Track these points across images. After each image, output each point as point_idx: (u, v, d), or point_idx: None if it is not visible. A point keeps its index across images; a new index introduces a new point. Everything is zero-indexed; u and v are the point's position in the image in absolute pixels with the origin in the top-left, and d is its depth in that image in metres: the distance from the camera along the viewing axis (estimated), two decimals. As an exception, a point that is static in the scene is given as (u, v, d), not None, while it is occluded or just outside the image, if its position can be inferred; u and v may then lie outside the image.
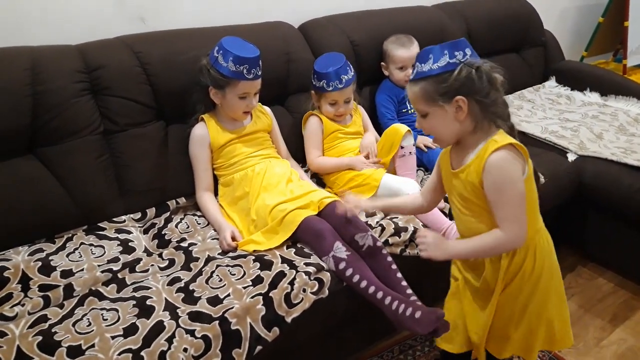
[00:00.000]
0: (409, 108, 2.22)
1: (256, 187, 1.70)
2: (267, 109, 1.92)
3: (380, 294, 1.42)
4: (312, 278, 1.42)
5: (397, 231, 1.63)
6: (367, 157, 1.93)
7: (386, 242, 1.59)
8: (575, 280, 2.20)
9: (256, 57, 1.69)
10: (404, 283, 1.50)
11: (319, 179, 2.01)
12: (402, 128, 1.87)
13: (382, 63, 2.23)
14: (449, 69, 1.15)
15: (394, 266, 1.51)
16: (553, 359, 1.80)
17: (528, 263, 1.23)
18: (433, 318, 1.35)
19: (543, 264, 1.25)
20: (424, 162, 2.09)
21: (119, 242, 1.58)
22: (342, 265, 1.45)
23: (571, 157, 2.17)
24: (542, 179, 1.21)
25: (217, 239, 1.62)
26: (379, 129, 2.20)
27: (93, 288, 1.39)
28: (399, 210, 1.60)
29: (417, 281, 1.53)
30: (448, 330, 1.35)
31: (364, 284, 1.43)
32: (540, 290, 1.26)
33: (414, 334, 1.37)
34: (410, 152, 1.90)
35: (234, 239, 1.59)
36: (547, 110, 2.66)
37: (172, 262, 1.51)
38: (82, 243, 1.56)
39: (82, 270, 1.45)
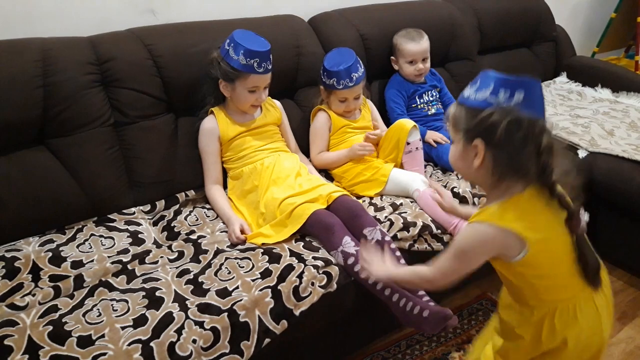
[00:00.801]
0: (418, 103, 2.21)
1: (265, 180, 1.70)
2: (277, 102, 1.92)
3: (388, 291, 1.42)
4: (320, 272, 1.42)
5: (406, 226, 1.62)
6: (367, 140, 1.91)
7: (395, 237, 1.59)
8: (584, 278, 2.19)
9: (267, 51, 1.68)
10: None
11: (327, 173, 2.00)
12: (408, 123, 1.86)
13: (392, 57, 2.22)
14: (482, 106, 1.01)
15: (402, 261, 1.51)
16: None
17: (550, 330, 1.09)
18: (441, 317, 1.36)
19: (563, 335, 1.08)
20: (433, 157, 2.09)
21: (129, 234, 1.59)
22: (350, 260, 1.45)
23: (582, 154, 2.15)
24: (583, 223, 1.05)
25: (226, 231, 1.62)
26: (388, 123, 2.19)
27: (103, 279, 1.40)
28: (408, 284, 1.38)
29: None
30: (455, 324, 1.34)
31: (371, 279, 1.43)
32: None
33: (420, 332, 1.38)
34: (417, 148, 1.89)
35: (243, 232, 1.59)
36: (558, 107, 2.64)
37: (181, 254, 1.52)
38: (92, 234, 1.57)
39: (92, 261, 1.46)
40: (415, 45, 2.13)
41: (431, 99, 2.23)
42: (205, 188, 1.77)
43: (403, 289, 1.43)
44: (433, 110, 2.22)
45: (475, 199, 1.78)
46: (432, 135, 2.10)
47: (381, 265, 1.22)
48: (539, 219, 1.03)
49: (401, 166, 1.90)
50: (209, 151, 1.76)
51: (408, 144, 1.86)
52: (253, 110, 1.80)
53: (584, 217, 1.05)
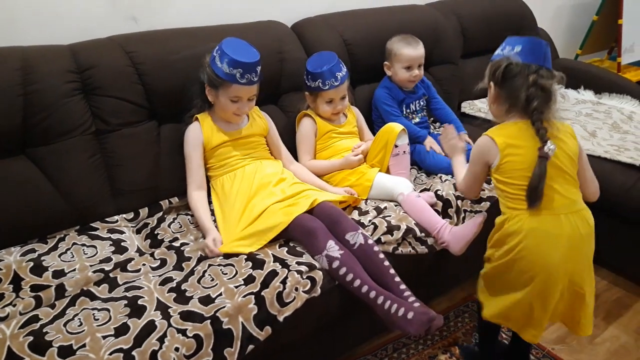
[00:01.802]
0: (404, 112, 2.21)
1: (246, 187, 1.70)
2: (264, 114, 1.91)
3: (373, 294, 1.42)
4: (304, 277, 1.42)
5: (390, 229, 1.63)
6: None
7: (378, 241, 1.59)
8: (569, 278, 2.20)
9: (253, 62, 1.66)
10: (398, 279, 1.50)
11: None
12: (397, 127, 1.86)
13: (386, 63, 2.21)
14: (493, 59, 1.41)
15: (386, 263, 1.52)
16: (547, 356, 1.81)
17: (502, 230, 1.40)
18: (425, 319, 1.36)
19: (521, 240, 1.35)
20: (417, 161, 2.09)
21: (112, 242, 1.58)
22: (335, 264, 1.45)
23: (564, 155, 2.17)
24: (550, 152, 1.33)
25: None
26: (378, 128, 2.20)
27: (85, 288, 1.39)
28: (455, 171, 1.69)
29: (409, 280, 1.53)
30: (440, 325, 1.41)
31: (357, 283, 1.44)
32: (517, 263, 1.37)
33: (405, 334, 1.39)
34: (404, 152, 1.90)
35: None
36: (541, 108, 2.66)
37: (164, 262, 1.51)
38: (74, 243, 1.56)
39: (74, 270, 1.45)
40: (413, 51, 2.14)
41: (417, 108, 2.24)
42: (188, 194, 1.75)
43: (387, 292, 1.44)
44: (417, 119, 2.23)
45: (459, 202, 1.79)
46: (431, 142, 2.10)
47: (458, 149, 1.67)
48: (523, 139, 1.35)
49: (387, 169, 1.91)
50: (192, 157, 1.75)
51: (396, 146, 1.87)
52: (236, 119, 1.78)
53: (551, 147, 1.31)
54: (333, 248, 1.47)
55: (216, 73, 1.66)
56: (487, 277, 1.48)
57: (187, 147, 1.76)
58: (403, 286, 1.49)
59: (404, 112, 2.21)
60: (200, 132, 1.74)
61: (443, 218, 1.72)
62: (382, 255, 1.53)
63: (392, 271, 1.51)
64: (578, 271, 1.37)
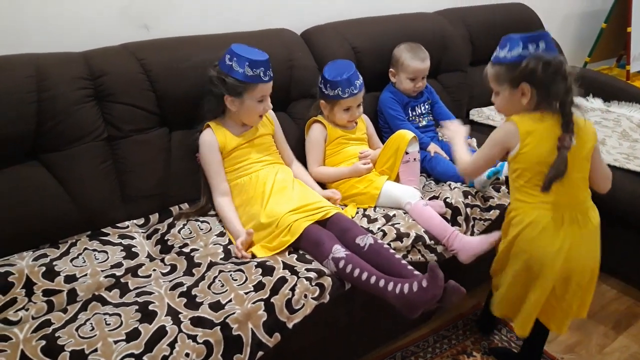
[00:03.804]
0: (410, 115, 2.22)
1: (260, 191, 1.71)
2: (270, 112, 1.93)
3: (382, 282, 1.41)
4: (313, 284, 1.43)
5: (399, 237, 1.63)
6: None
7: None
8: (578, 287, 2.19)
9: (268, 59, 1.72)
10: (410, 267, 1.48)
11: (321, 185, 2.01)
12: (408, 134, 1.87)
13: (391, 69, 2.23)
14: (520, 60, 1.36)
15: (397, 255, 1.51)
16: (556, 365, 1.80)
17: (506, 221, 1.49)
18: (440, 278, 1.34)
19: (519, 232, 1.42)
20: (427, 168, 2.10)
21: (122, 248, 1.59)
22: (341, 264, 1.45)
23: (574, 163, 2.16)
24: (569, 143, 1.35)
25: (220, 244, 1.63)
26: (383, 132, 2.21)
27: (96, 293, 1.40)
28: (455, 154, 1.65)
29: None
30: (461, 294, 1.42)
31: (364, 276, 1.43)
32: (513, 254, 1.46)
33: (430, 307, 1.35)
34: (414, 159, 1.90)
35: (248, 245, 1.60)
36: (550, 116, 2.66)
37: (174, 268, 1.52)
38: (85, 248, 1.57)
39: (86, 275, 1.46)
40: (420, 64, 2.15)
41: (423, 111, 2.25)
42: (214, 201, 1.78)
43: (397, 278, 1.41)
44: (424, 122, 2.24)
45: (468, 209, 1.79)
46: (435, 148, 2.11)
47: (459, 136, 1.65)
48: (542, 129, 1.35)
49: (397, 176, 1.91)
50: (211, 163, 1.77)
51: (407, 153, 1.87)
52: (260, 120, 1.83)
53: (572, 139, 1.33)
54: (338, 250, 1.48)
55: (239, 79, 1.69)
56: (493, 269, 1.58)
57: (204, 153, 1.77)
58: (417, 272, 1.46)
59: (410, 116, 2.22)
60: (214, 137, 1.76)
61: (452, 226, 1.72)
62: (392, 251, 1.53)
63: (403, 262, 1.49)
64: (578, 269, 1.41)
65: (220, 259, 1.55)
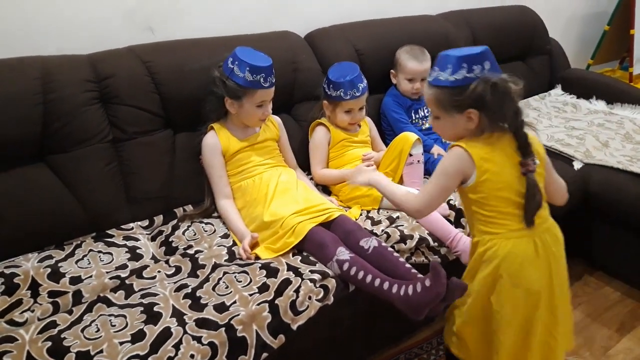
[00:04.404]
0: (413, 118, 2.23)
1: (263, 193, 1.72)
2: (276, 118, 1.94)
3: (386, 285, 1.40)
4: (317, 285, 1.43)
5: (403, 238, 1.64)
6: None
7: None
8: (582, 289, 2.20)
9: (270, 65, 1.72)
10: (414, 270, 1.47)
11: (324, 187, 2.02)
12: (412, 136, 1.87)
13: (392, 71, 2.24)
14: (465, 83, 1.22)
15: (401, 259, 1.51)
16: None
17: (476, 256, 1.32)
18: (443, 276, 1.30)
19: (489, 265, 1.28)
20: (430, 170, 2.10)
21: (127, 249, 1.60)
22: (345, 266, 1.46)
23: (577, 165, 2.17)
24: (533, 167, 1.24)
25: (224, 245, 1.63)
26: (387, 135, 2.21)
27: (101, 294, 1.41)
28: (389, 198, 1.46)
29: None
30: (464, 289, 1.30)
31: (369, 278, 1.43)
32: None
33: (435, 307, 1.34)
34: (418, 161, 1.90)
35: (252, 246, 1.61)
36: (553, 119, 2.66)
37: (178, 269, 1.53)
38: (90, 250, 1.58)
39: (91, 277, 1.47)
40: (417, 65, 2.15)
41: (426, 114, 2.25)
42: (217, 204, 1.78)
43: (401, 280, 1.40)
44: (427, 125, 2.25)
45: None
46: (439, 150, 2.12)
47: (371, 172, 1.50)
48: (496, 154, 1.24)
49: (401, 178, 1.92)
50: (214, 165, 1.77)
51: (411, 155, 1.88)
52: (260, 124, 1.83)
53: (535, 162, 1.23)
54: (343, 253, 1.48)
55: (239, 83, 1.69)
56: (468, 314, 1.34)
57: (207, 156, 1.78)
58: (420, 276, 1.45)
59: (413, 118, 2.23)
60: (217, 140, 1.77)
61: (456, 228, 1.72)
62: (396, 254, 1.53)
63: (407, 265, 1.49)
64: (556, 291, 1.30)
65: (225, 260, 1.56)
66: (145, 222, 1.73)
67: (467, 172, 1.25)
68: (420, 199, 1.32)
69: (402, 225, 1.70)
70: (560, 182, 1.39)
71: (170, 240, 1.67)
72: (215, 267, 1.52)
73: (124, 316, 1.30)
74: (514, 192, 1.24)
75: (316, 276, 1.44)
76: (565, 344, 1.36)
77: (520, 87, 1.23)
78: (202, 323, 1.28)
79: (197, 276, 1.48)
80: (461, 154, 1.25)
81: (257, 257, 1.57)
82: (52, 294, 1.40)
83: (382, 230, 1.67)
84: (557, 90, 2.97)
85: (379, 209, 1.84)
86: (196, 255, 1.58)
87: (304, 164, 2.03)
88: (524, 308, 1.27)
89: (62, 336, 1.23)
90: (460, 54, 1.22)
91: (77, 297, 1.39)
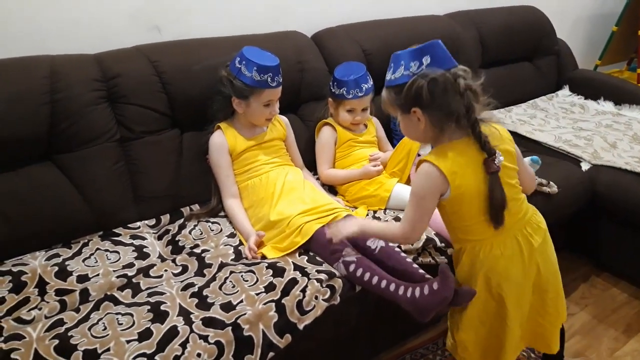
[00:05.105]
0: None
1: (270, 192, 1.72)
2: (283, 118, 1.94)
3: (393, 286, 1.40)
4: (324, 285, 1.43)
5: (409, 239, 1.63)
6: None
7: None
8: (589, 291, 2.19)
9: (277, 64, 1.73)
10: (422, 271, 1.47)
11: (330, 187, 2.02)
12: None
13: None
14: (403, 82, 1.18)
15: (409, 259, 1.51)
16: (566, 369, 1.79)
17: (462, 264, 1.33)
18: (451, 284, 1.30)
19: (477, 271, 1.29)
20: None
21: (134, 248, 1.60)
22: (352, 267, 1.45)
23: (585, 166, 2.16)
24: (497, 164, 1.21)
25: (230, 245, 1.64)
26: (392, 136, 2.21)
27: (108, 293, 1.41)
28: (379, 237, 1.50)
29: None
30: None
31: (375, 280, 1.42)
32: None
33: (442, 309, 1.33)
34: None
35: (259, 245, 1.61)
36: (561, 119, 2.65)
37: (185, 268, 1.53)
38: (97, 248, 1.59)
39: (98, 275, 1.47)
40: None
41: None
42: (224, 203, 1.79)
43: (408, 283, 1.39)
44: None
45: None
46: None
47: (351, 220, 1.43)
48: (465, 161, 1.20)
49: (408, 178, 1.91)
50: (221, 165, 1.78)
51: (419, 155, 1.87)
52: (267, 123, 1.84)
53: (499, 158, 1.20)
54: (349, 254, 1.48)
55: (246, 83, 1.70)
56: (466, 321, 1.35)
57: (214, 155, 1.78)
58: (428, 276, 1.46)
59: None
60: (224, 139, 1.77)
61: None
62: (403, 254, 1.53)
63: (415, 265, 1.49)
64: (551, 276, 1.35)
65: (231, 259, 1.56)
66: (152, 221, 1.74)
67: (442, 188, 1.21)
68: (404, 227, 1.28)
69: (409, 226, 1.69)
70: (530, 171, 1.40)
71: (177, 239, 1.67)
72: (222, 266, 1.52)
73: (131, 315, 1.31)
74: (485, 196, 1.22)
75: (323, 276, 1.44)
76: (558, 318, 1.40)
77: (476, 82, 1.17)
78: (208, 322, 1.29)
79: (203, 275, 1.48)
80: (431, 173, 1.20)
81: (264, 257, 1.57)
82: (60, 292, 1.41)
83: (389, 231, 1.67)
84: (565, 91, 2.96)
85: (385, 209, 1.84)
86: (203, 255, 1.58)
87: (311, 164, 2.03)
88: (515, 299, 1.30)
89: (70, 334, 1.24)
90: (402, 52, 1.19)
91: (85, 295, 1.40)
